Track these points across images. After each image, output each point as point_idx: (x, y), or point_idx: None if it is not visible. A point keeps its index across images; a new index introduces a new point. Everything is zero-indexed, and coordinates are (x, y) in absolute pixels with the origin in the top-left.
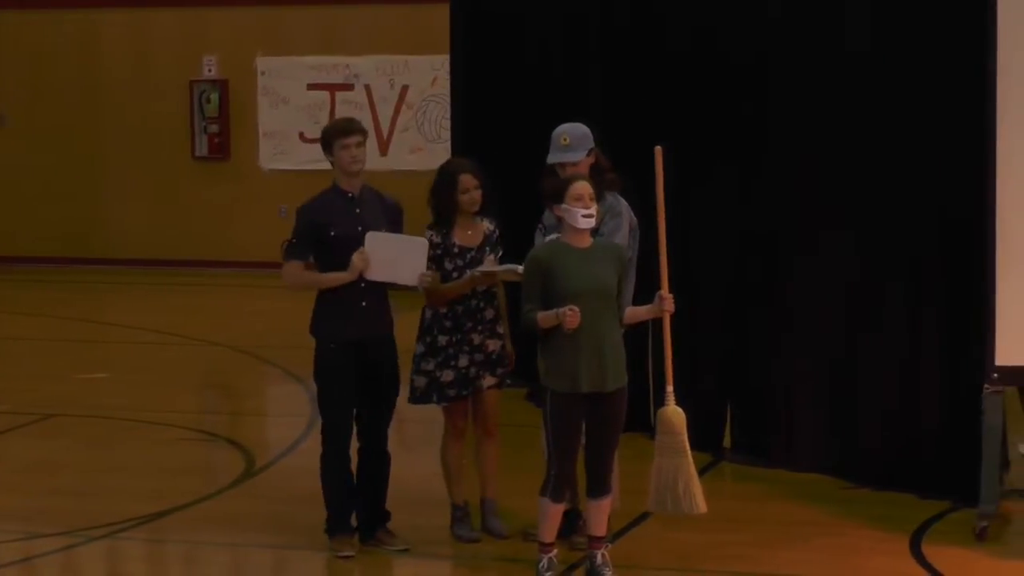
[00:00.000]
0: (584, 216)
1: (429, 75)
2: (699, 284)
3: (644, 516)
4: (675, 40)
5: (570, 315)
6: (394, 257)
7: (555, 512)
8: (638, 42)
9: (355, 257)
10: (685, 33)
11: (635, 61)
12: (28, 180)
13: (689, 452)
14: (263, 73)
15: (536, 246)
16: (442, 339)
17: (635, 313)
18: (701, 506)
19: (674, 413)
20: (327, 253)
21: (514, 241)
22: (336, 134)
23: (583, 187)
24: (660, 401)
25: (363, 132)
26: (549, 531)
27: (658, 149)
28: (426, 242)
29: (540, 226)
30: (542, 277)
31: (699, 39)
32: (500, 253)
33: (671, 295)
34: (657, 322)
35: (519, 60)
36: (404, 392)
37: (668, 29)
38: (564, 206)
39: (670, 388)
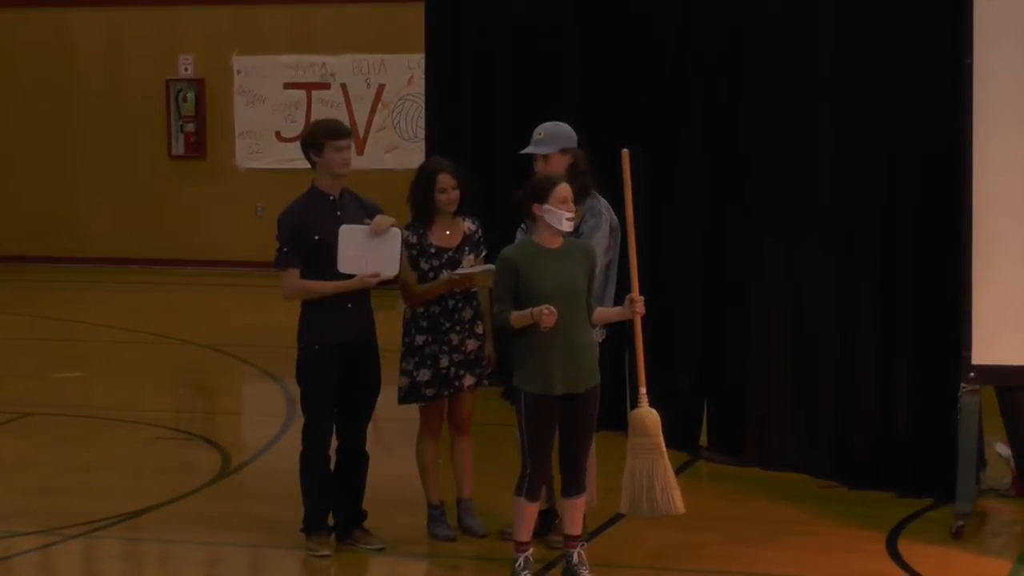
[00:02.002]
0: (568, 219)
1: (405, 74)
2: (674, 283)
3: (621, 515)
4: (650, 40)
5: (547, 314)
6: (369, 249)
7: (530, 511)
8: (614, 41)
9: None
10: (660, 33)
11: (611, 60)
12: (3, 179)
13: (665, 453)
14: (239, 72)
15: (508, 246)
16: (419, 339)
17: (605, 315)
18: (679, 506)
19: (648, 414)
20: (311, 257)
21: (493, 240)
22: (329, 135)
23: (567, 190)
24: (634, 403)
25: (352, 135)
26: (525, 530)
27: (625, 152)
28: (399, 231)
29: (522, 226)
30: (514, 277)
31: (673, 40)
32: (483, 253)
33: (641, 298)
34: (631, 322)
35: (494, 59)
36: (386, 393)
37: (644, 29)
38: (547, 207)
39: (643, 390)
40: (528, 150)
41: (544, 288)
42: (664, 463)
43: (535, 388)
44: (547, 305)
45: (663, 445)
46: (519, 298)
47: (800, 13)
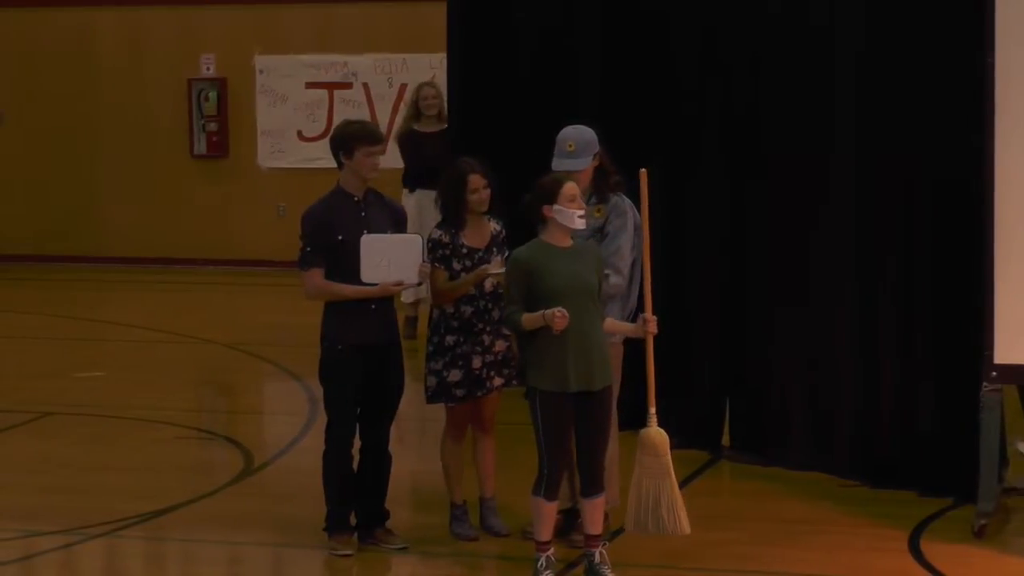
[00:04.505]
0: (580, 217)
1: (427, 73)
2: (695, 283)
3: None
4: (671, 38)
5: (559, 317)
6: (391, 257)
7: (549, 511)
8: (635, 42)
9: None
10: (681, 32)
11: (632, 60)
12: (25, 178)
13: (673, 473)
14: (261, 71)
15: (519, 248)
16: (449, 339)
17: (618, 328)
18: (685, 527)
19: (657, 434)
20: (334, 258)
21: (515, 241)
22: (364, 140)
23: (575, 187)
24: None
25: (384, 140)
26: (545, 530)
27: (643, 172)
28: (420, 238)
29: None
30: (526, 277)
31: (695, 38)
32: (507, 254)
33: (655, 317)
34: (645, 341)
35: (516, 59)
36: (409, 392)
37: (664, 27)
38: (557, 207)
39: (653, 410)
40: (565, 167)
41: (557, 286)
42: (671, 483)
43: (550, 386)
44: (559, 308)
45: (671, 465)
46: (531, 298)
47: (818, 15)
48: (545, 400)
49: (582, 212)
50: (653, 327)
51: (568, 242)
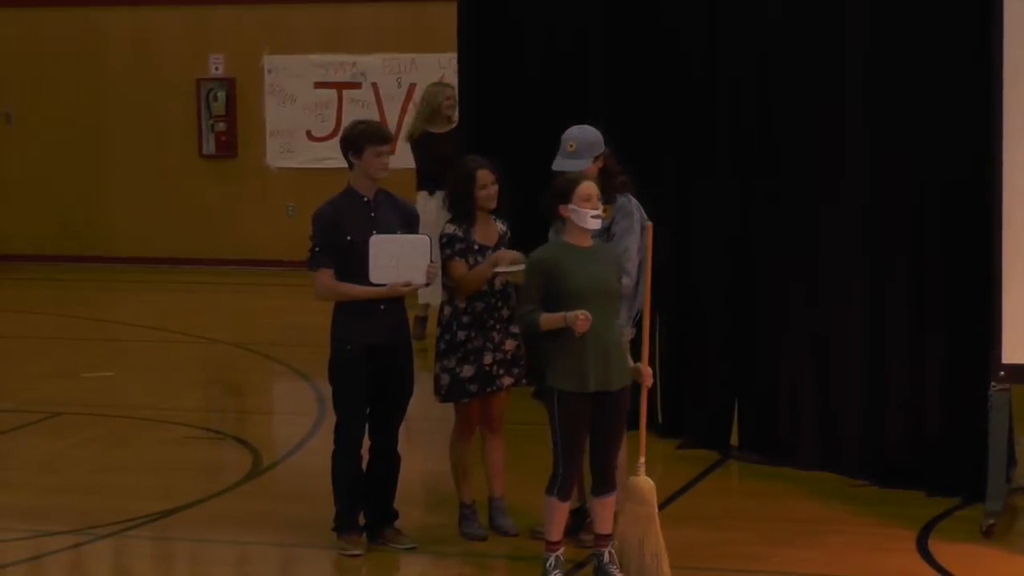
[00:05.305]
0: (593, 217)
1: (436, 73)
2: (705, 282)
3: None
4: (680, 39)
5: (582, 319)
6: (400, 258)
7: (562, 510)
8: (643, 42)
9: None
10: (689, 32)
11: (640, 61)
12: (34, 178)
13: (657, 521)
14: (270, 71)
15: (539, 248)
16: (461, 334)
17: None
18: (667, 575)
19: (645, 483)
20: (342, 259)
21: (522, 241)
22: (371, 139)
23: (591, 187)
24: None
25: (392, 139)
26: (556, 529)
27: (648, 226)
28: (428, 239)
29: (553, 228)
30: (545, 277)
31: (703, 39)
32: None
33: (649, 370)
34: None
35: (526, 58)
36: (418, 392)
37: (673, 28)
38: (572, 207)
39: (643, 459)
40: (564, 167)
41: (577, 287)
42: (656, 531)
43: (569, 386)
44: (583, 311)
45: (656, 514)
46: (550, 298)
47: (827, 14)
48: (563, 400)
49: (596, 212)
50: (647, 379)
51: (588, 242)
